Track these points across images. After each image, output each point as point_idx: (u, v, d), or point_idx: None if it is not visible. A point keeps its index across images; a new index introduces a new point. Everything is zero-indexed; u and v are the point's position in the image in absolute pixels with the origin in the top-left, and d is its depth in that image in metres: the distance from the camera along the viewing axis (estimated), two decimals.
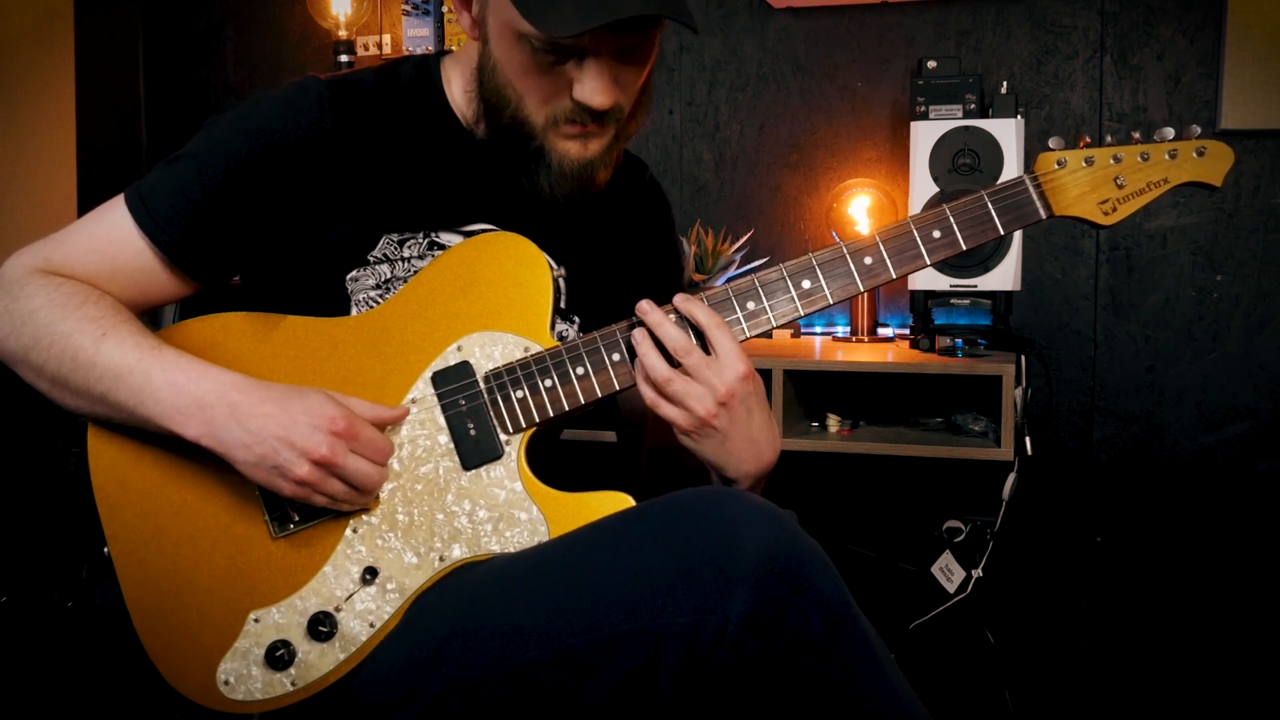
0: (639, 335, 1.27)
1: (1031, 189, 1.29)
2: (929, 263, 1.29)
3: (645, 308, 1.28)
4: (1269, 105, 2.74)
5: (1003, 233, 1.29)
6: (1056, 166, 1.29)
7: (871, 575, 2.64)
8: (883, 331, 2.94)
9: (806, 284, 1.29)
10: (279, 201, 1.32)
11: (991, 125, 2.53)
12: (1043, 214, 1.29)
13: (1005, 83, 2.61)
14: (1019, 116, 2.54)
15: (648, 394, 1.27)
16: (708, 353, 1.26)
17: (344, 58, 3.30)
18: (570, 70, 1.28)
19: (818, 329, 3.05)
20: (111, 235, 1.31)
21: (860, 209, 2.94)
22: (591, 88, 1.27)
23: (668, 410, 1.26)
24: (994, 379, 2.34)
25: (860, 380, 2.68)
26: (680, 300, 1.28)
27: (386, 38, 3.39)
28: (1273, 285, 2.80)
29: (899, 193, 2.98)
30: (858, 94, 3.05)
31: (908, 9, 2.99)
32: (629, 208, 1.54)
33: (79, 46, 3.39)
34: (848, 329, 2.98)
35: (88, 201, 3.34)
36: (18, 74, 3.34)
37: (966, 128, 2.54)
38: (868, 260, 1.29)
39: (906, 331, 2.82)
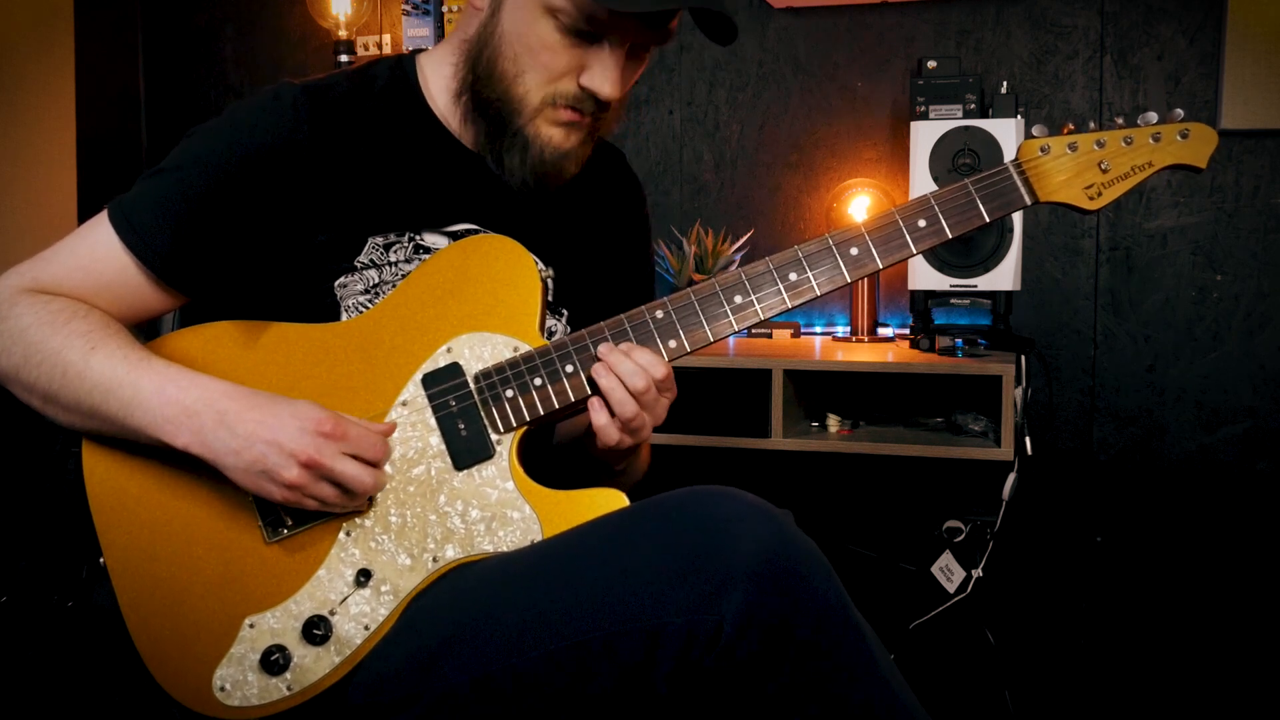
0: (604, 375, 1.27)
1: (1015, 176, 1.30)
2: (915, 251, 1.29)
3: (604, 351, 1.28)
4: (1269, 105, 2.73)
5: (988, 219, 1.29)
6: (1040, 153, 1.30)
7: (871, 575, 2.64)
8: (883, 331, 2.94)
9: (793, 276, 1.29)
10: (261, 210, 1.33)
11: (991, 125, 2.53)
12: (1027, 200, 1.30)
13: (1005, 83, 2.60)
14: (1019, 116, 2.53)
15: (613, 432, 1.28)
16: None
17: (344, 58, 3.30)
18: (583, 56, 1.30)
19: (818, 329, 3.04)
20: (96, 252, 1.31)
21: (860, 209, 2.94)
22: (603, 76, 1.30)
23: (623, 439, 1.29)
24: (994, 379, 2.34)
25: (860, 380, 2.67)
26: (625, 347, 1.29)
27: (386, 38, 3.39)
28: (1273, 285, 2.80)
29: (899, 193, 2.97)
30: (858, 94, 3.04)
31: (908, 9, 2.98)
32: (610, 199, 1.55)
33: (79, 45, 3.40)
34: (848, 329, 2.98)
35: (88, 201, 3.34)
36: (17, 73, 3.34)
37: (966, 128, 2.54)
38: (854, 251, 1.29)
39: (906, 331, 2.81)
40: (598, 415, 1.27)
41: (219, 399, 1.20)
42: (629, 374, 1.26)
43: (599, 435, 1.28)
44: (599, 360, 1.28)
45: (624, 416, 1.26)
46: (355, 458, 1.21)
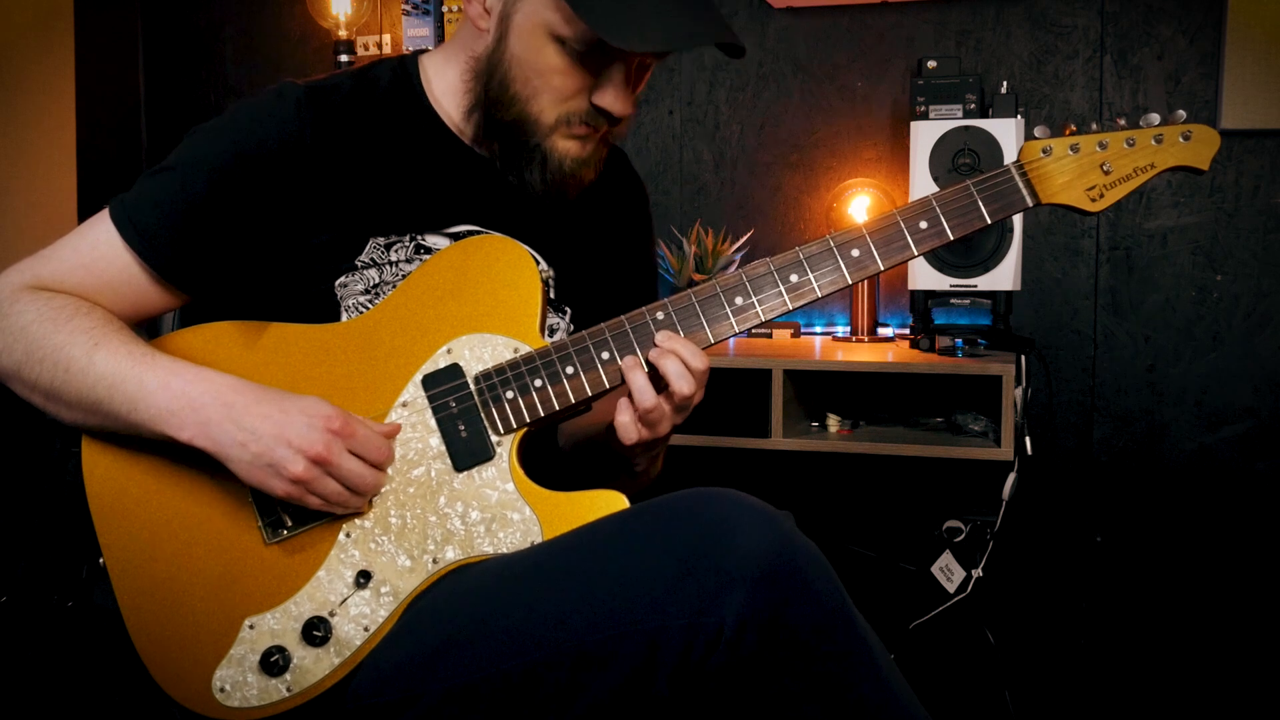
0: (630, 365, 1.27)
1: (1017, 177, 1.29)
2: (916, 253, 1.29)
3: (662, 339, 1.28)
4: (1269, 105, 2.73)
5: (989, 221, 1.29)
6: (1042, 155, 1.29)
7: (871, 575, 2.64)
8: (883, 331, 2.94)
9: (794, 278, 1.29)
10: (263, 210, 1.33)
11: (991, 125, 2.53)
12: (1029, 201, 1.29)
13: (1005, 83, 2.60)
14: (1019, 116, 2.53)
15: (629, 421, 1.27)
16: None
17: (344, 58, 3.30)
18: (593, 76, 1.32)
19: (818, 329, 3.04)
20: (98, 250, 1.31)
21: (860, 209, 2.94)
22: (615, 96, 1.32)
23: (641, 432, 1.28)
24: (994, 379, 2.34)
25: (860, 380, 2.67)
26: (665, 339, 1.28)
27: (386, 38, 3.39)
28: (1273, 285, 2.80)
29: (899, 193, 2.97)
30: (858, 94, 3.04)
31: (908, 9, 2.98)
32: (612, 199, 1.56)
33: (79, 46, 3.40)
34: (848, 329, 2.98)
35: (88, 202, 3.34)
36: (18, 74, 3.34)
37: (966, 128, 2.54)
38: (855, 252, 1.29)
39: (906, 331, 2.81)
40: (621, 415, 1.27)
41: (226, 392, 1.21)
42: (676, 375, 1.26)
43: (620, 432, 1.28)
44: (655, 347, 1.27)
45: (644, 406, 1.26)
46: (360, 457, 1.21)
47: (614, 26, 1.22)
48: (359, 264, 1.34)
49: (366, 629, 1.22)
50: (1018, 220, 2.54)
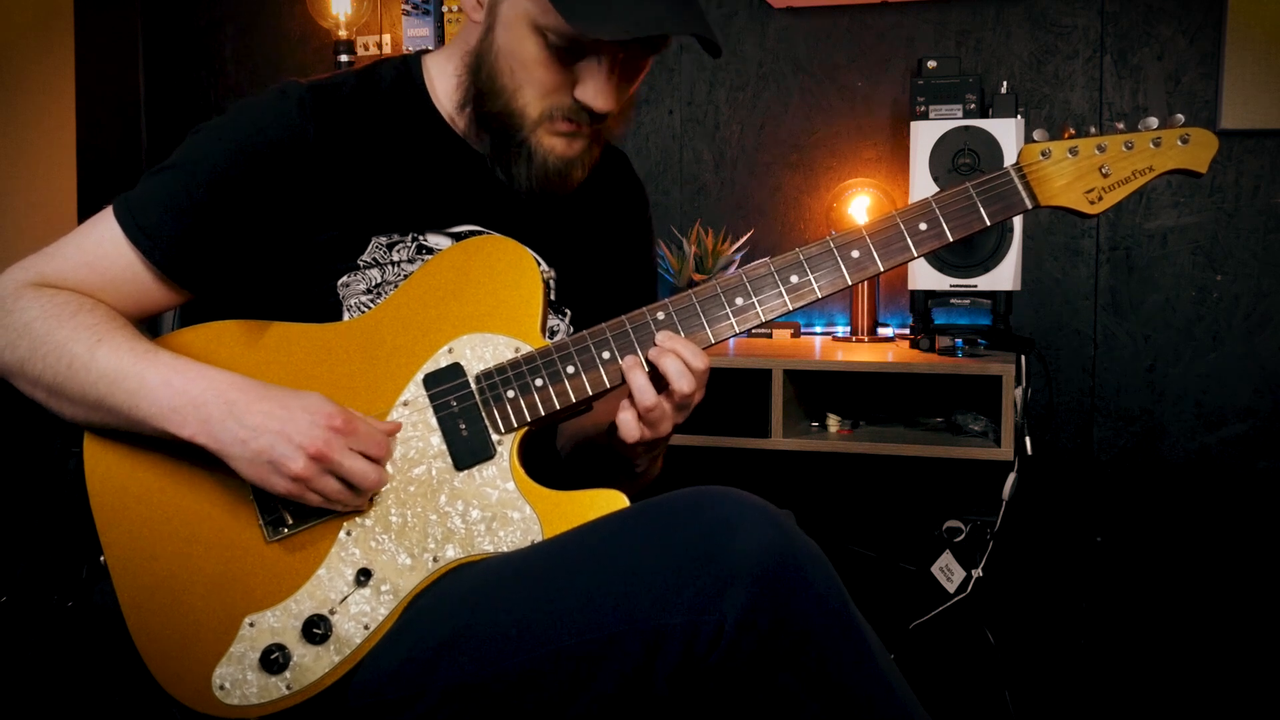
0: (631, 364, 1.27)
1: (1016, 179, 1.30)
2: (916, 255, 1.30)
3: (662, 339, 1.28)
4: (1269, 105, 2.74)
5: (989, 223, 1.30)
6: (1041, 157, 1.30)
7: (871, 575, 2.64)
8: (883, 331, 2.94)
9: (794, 279, 1.29)
10: (266, 208, 1.33)
11: (991, 125, 2.53)
12: (1028, 204, 1.30)
13: (1005, 83, 2.61)
14: (1019, 116, 2.54)
15: (631, 419, 1.28)
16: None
17: (344, 58, 3.31)
18: (576, 70, 1.31)
19: (818, 329, 3.04)
20: (102, 248, 1.31)
21: (860, 209, 2.94)
22: (596, 90, 1.30)
23: (643, 431, 1.28)
24: (994, 379, 2.34)
25: (860, 380, 2.67)
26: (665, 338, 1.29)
27: (386, 38, 3.39)
28: (1273, 285, 2.80)
29: (899, 193, 2.97)
30: (858, 94, 3.04)
31: (908, 9, 2.98)
32: (613, 202, 1.56)
33: (79, 46, 3.40)
34: (848, 329, 2.98)
35: (88, 202, 3.34)
36: (18, 74, 3.34)
37: (966, 128, 2.54)
38: (855, 254, 1.29)
39: (906, 331, 2.81)
40: (624, 413, 1.28)
41: (227, 390, 1.21)
42: (676, 374, 1.26)
43: (621, 429, 1.28)
44: (656, 347, 1.28)
45: (644, 404, 1.26)
46: (361, 454, 1.21)
47: (582, 14, 1.22)
48: (361, 263, 1.35)
49: (366, 627, 1.22)
50: (1018, 220, 2.54)
